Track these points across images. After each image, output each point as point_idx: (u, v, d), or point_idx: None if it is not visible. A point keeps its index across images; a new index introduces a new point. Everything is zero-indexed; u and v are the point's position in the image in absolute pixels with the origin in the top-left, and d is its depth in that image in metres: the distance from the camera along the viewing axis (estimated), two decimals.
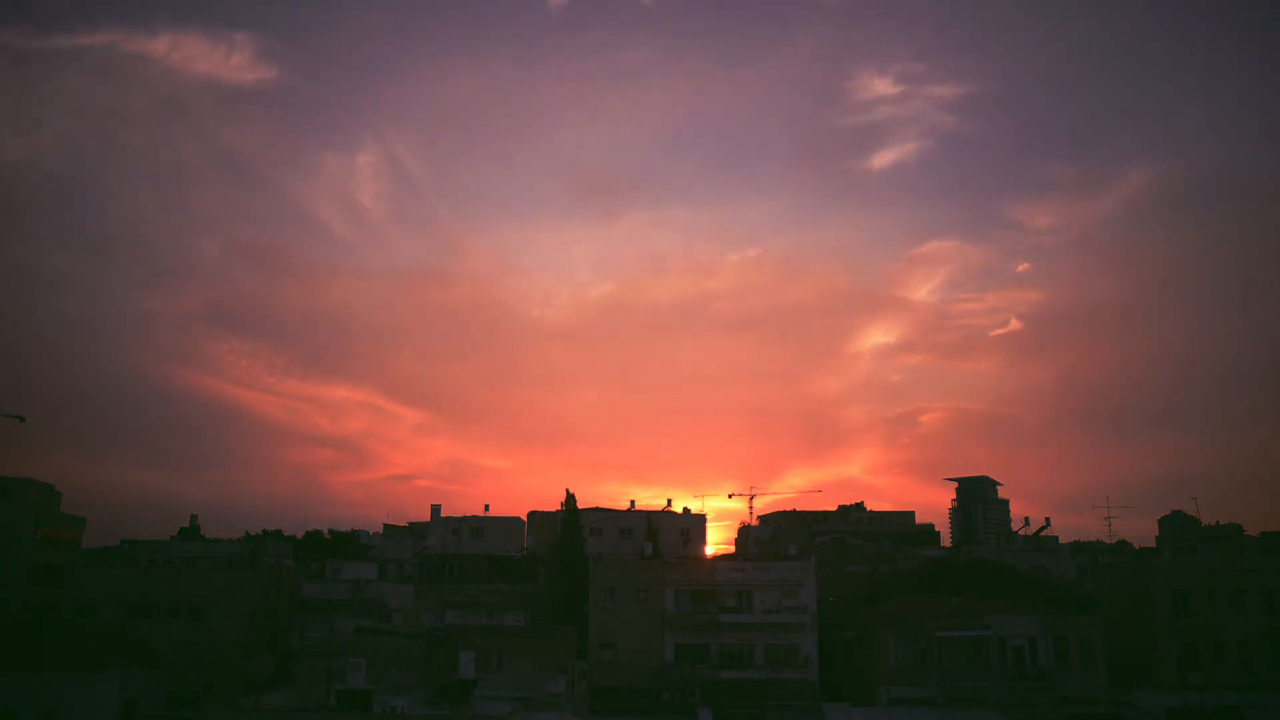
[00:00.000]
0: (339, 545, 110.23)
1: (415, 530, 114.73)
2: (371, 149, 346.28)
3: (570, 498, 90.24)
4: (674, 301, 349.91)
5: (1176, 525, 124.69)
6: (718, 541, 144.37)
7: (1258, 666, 66.81)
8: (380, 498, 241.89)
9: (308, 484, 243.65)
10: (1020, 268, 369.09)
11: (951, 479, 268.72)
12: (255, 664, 64.83)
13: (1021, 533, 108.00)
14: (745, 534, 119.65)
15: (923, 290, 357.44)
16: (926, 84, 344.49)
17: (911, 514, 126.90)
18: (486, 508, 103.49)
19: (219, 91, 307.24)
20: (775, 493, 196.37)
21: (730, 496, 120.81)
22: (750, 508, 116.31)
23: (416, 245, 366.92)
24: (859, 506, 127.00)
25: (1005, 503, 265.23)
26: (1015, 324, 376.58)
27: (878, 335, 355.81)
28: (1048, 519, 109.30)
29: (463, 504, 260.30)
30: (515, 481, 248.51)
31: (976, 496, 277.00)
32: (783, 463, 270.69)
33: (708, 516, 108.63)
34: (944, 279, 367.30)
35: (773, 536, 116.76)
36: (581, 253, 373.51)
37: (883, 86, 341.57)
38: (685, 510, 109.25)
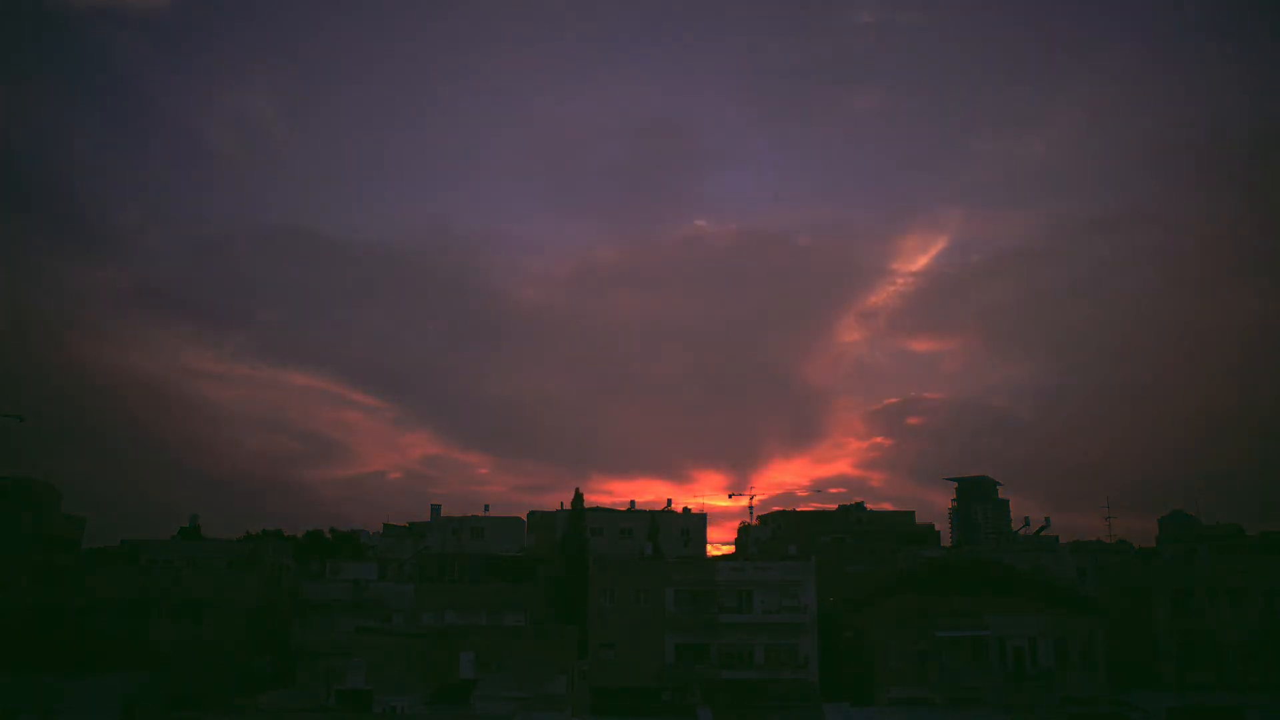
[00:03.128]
0: (339, 545, 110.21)
1: (415, 530, 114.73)
2: (294, 93, 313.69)
3: (578, 496, 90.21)
4: (649, 281, 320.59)
5: (1176, 525, 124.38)
6: (718, 541, 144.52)
7: (1258, 666, 66.80)
8: (355, 494, 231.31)
9: (277, 480, 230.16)
10: (1022, 235, 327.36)
11: (951, 479, 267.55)
12: (255, 664, 65.04)
13: (1021, 533, 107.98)
14: (745, 534, 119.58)
15: (918, 262, 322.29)
16: (902, 9, 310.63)
17: (911, 514, 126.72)
18: (486, 508, 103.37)
19: (107, 13, 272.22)
20: (758, 492, 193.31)
21: (730, 496, 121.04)
22: (750, 507, 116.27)
23: (359, 211, 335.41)
24: (859, 506, 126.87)
25: (1005, 503, 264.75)
26: (1015, 304, 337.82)
27: (868, 315, 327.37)
28: (1048, 519, 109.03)
29: (438, 496, 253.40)
30: (495, 478, 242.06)
31: (976, 496, 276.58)
32: (773, 456, 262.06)
33: (708, 517, 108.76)
34: (939, 249, 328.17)
35: (773, 536, 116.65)
36: (548, 225, 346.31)
37: (858, 15, 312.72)
38: (685, 510, 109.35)
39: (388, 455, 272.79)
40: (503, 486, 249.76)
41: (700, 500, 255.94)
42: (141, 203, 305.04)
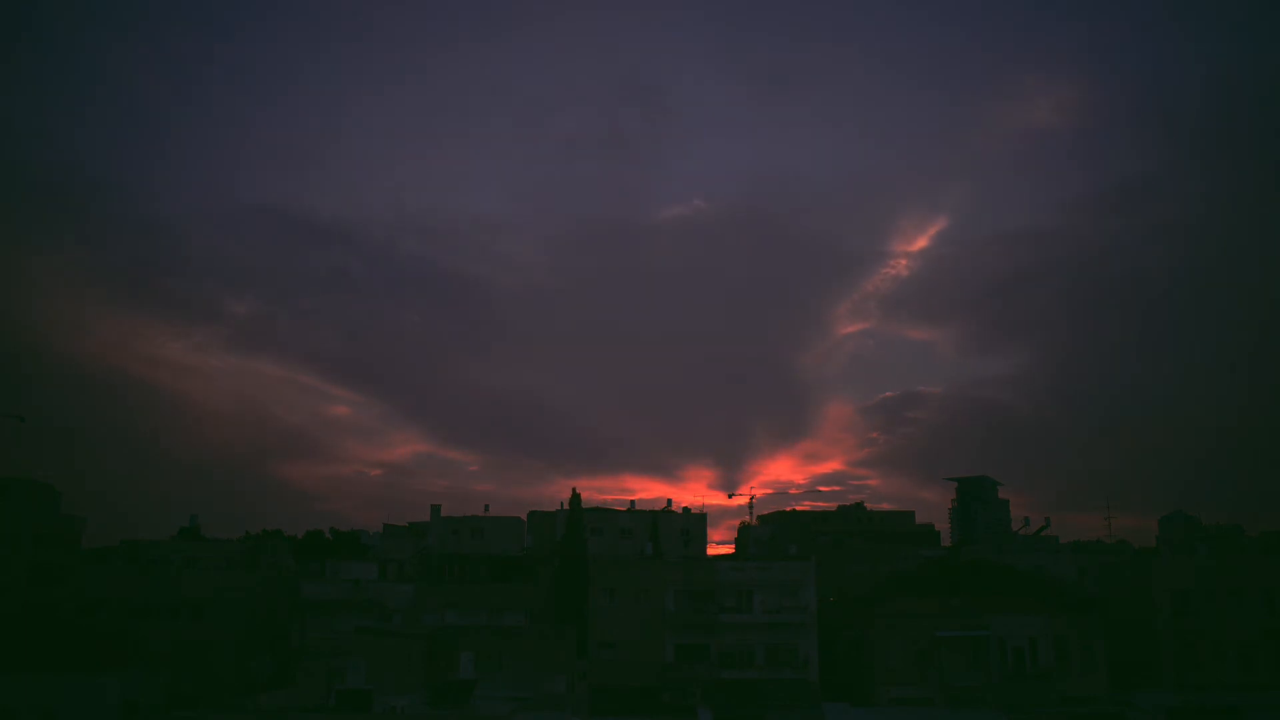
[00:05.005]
0: (339, 545, 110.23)
1: (415, 530, 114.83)
2: (246, 62, 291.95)
3: (575, 497, 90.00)
4: (630, 267, 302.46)
5: (1176, 525, 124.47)
6: (718, 541, 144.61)
7: (1258, 666, 66.83)
8: (344, 491, 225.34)
9: (258, 478, 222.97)
10: (1027, 214, 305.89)
11: (951, 478, 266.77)
12: (255, 664, 65.03)
13: (1021, 533, 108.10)
14: (745, 534, 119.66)
15: (916, 242, 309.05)
16: None
17: (911, 514, 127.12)
18: (486, 508, 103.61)
19: None
20: (748, 491, 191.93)
21: (730, 496, 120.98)
22: (750, 506, 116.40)
23: (320, 189, 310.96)
24: (859, 506, 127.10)
25: (1005, 503, 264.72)
26: (1017, 288, 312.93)
27: (864, 301, 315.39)
28: (1048, 519, 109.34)
29: (429, 497, 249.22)
30: (485, 475, 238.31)
31: (976, 496, 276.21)
32: (766, 453, 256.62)
33: (708, 516, 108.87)
34: (939, 228, 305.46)
35: (773, 536, 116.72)
36: (523, 206, 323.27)
37: None
38: (685, 510, 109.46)
39: (375, 452, 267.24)
40: (493, 484, 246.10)
41: (700, 500, 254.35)
42: (88, 176, 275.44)
